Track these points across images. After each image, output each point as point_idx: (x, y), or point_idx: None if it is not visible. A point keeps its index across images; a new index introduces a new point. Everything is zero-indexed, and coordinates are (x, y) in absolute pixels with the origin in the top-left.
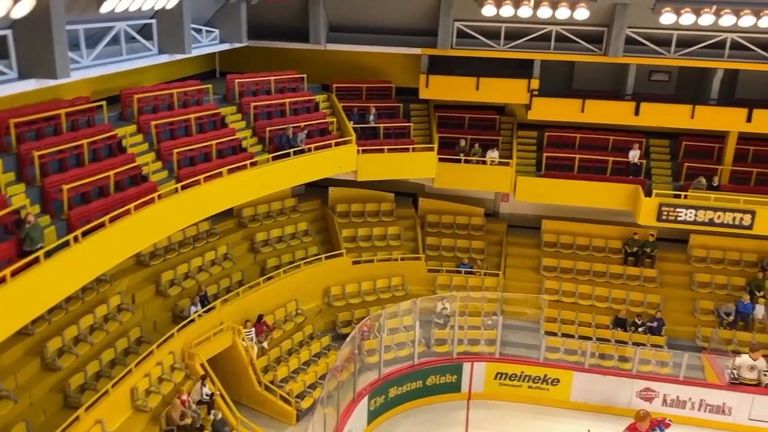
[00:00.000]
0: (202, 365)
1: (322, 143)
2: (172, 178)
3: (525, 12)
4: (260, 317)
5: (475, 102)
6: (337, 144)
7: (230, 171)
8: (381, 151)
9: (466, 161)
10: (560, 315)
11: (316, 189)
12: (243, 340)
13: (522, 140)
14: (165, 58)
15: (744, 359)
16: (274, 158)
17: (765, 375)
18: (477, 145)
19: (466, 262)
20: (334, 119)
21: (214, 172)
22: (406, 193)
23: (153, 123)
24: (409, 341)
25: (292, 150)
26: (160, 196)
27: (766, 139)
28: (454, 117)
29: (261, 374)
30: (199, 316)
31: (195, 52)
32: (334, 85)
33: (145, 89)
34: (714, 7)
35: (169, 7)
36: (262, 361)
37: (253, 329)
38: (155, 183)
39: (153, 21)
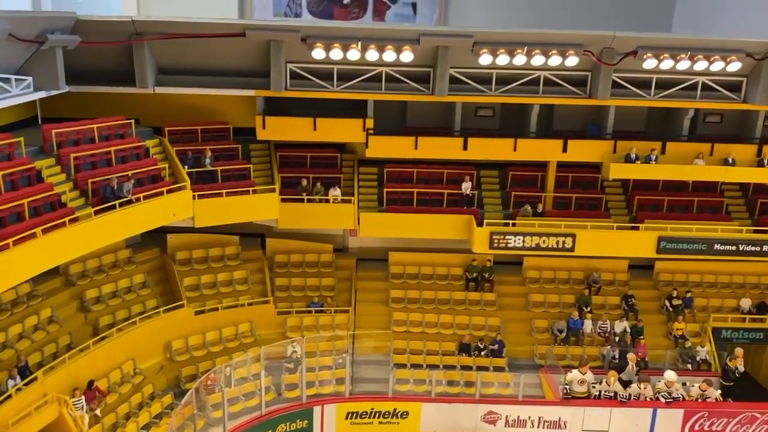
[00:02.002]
0: None
1: (153, 191)
2: None
3: (353, 55)
4: (91, 383)
5: (316, 141)
6: (169, 191)
7: (46, 230)
8: (219, 195)
9: (309, 200)
10: (409, 345)
11: (154, 236)
12: (71, 411)
13: (363, 176)
14: None
15: (574, 374)
16: (97, 212)
17: (593, 387)
18: (319, 183)
19: (317, 300)
20: (167, 165)
21: (27, 233)
22: (253, 234)
23: None
24: (257, 390)
25: (117, 201)
26: None
27: (582, 166)
28: (295, 156)
29: None
30: (18, 390)
31: (2, 104)
32: (167, 129)
33: None
34: (525, 48)
35: None
36: (95, 431)
37: (83, 397)
38: None
39: None
